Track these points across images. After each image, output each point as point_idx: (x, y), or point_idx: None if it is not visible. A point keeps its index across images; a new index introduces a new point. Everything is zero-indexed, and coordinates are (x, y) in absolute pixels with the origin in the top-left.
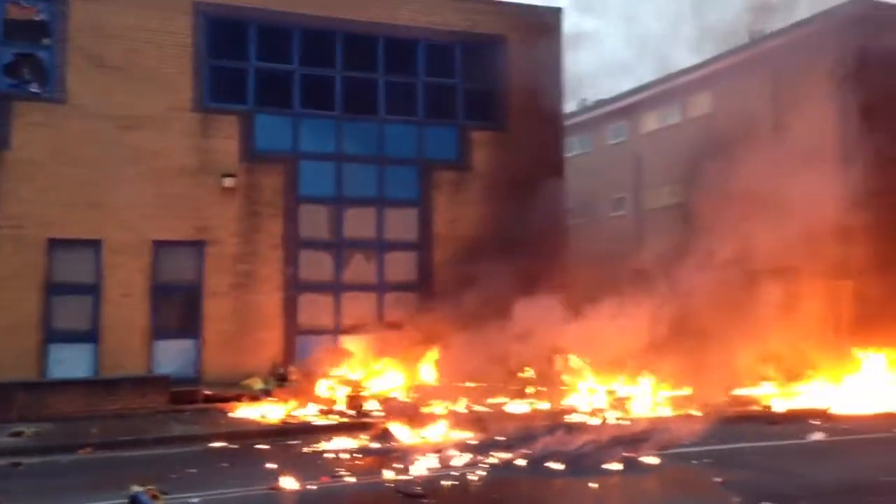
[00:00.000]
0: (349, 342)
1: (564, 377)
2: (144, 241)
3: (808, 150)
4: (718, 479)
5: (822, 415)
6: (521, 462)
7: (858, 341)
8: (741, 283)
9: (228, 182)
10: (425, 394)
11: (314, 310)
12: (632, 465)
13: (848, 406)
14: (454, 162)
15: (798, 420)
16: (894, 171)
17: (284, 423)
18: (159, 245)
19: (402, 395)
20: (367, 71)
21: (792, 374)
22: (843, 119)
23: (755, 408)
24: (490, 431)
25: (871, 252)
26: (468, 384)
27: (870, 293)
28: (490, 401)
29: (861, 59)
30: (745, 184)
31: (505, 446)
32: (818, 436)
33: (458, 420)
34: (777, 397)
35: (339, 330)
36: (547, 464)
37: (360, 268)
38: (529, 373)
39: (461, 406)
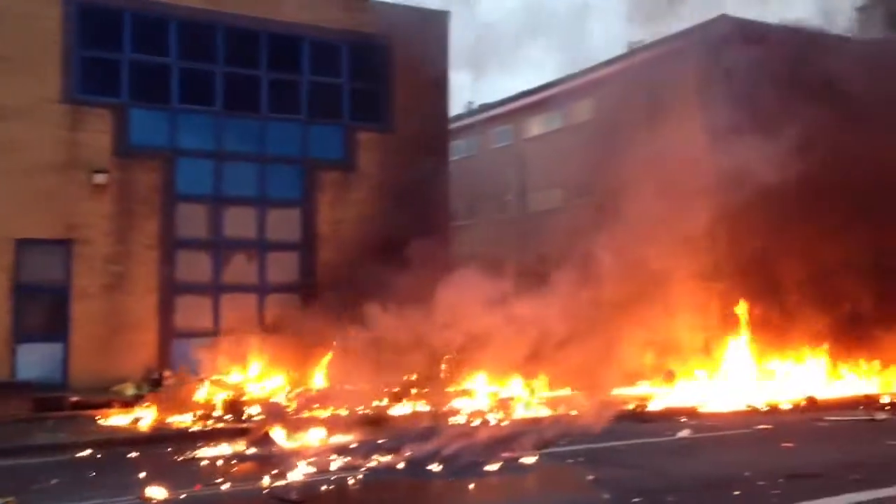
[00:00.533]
0: (229, 345)
1: (450, 379)
2: (6, 238)
3: (681, 159)
4: (591, 477)
5: (692, 413)
6: (401, 465)
7: (727, 342)
8: (621, 286)
9: (99, 178)
10: (308, 398)
11: (192, 312)
12: (510, 466)
13: (715, 403)
14: (339, 162)
15: (669, 418)
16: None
17: (157, 429)
18: (23, 243)
19: (283, 400)
20: (250, 67)
21: (668, 374)
22: (711, 130)
23: (631, 407)
24: (372, 434)
25: (738, 256)
26: (352, 387)
27: (737, 295)
28: (375, 403)
29: (728, 75)
30: (626, 189)
31: (385, 449)
32: (686, 433)
33: (340, 423)
34: (653, 396)
35: (218, 332)
36: (426, 466)
37: (240, 269)
38: (415, 375)
39: (344, 409)
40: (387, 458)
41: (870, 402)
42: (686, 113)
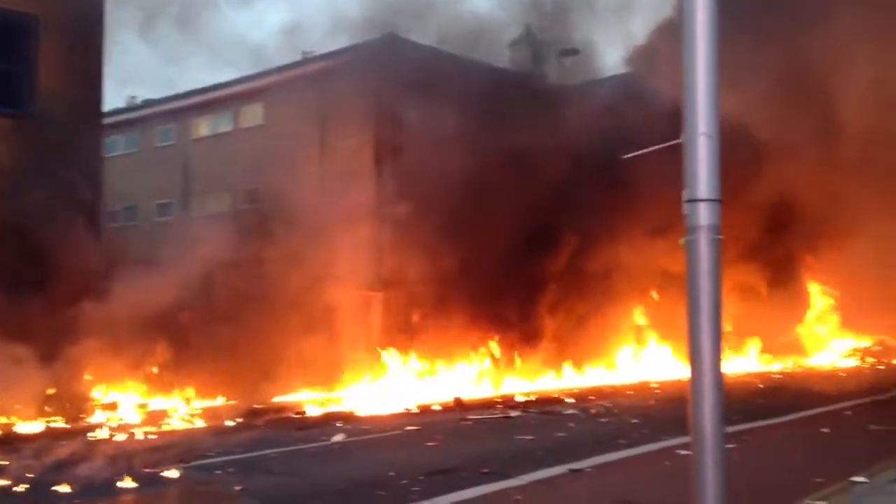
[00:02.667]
0: None
1: (93, 392)
2: None
3: (349, 172)
4: (238, 488)
5: (349, 417)
6: (21, 488)
7: (386, 347)
8: (282, 292)
9: None
10: None
11: None
12: (150, 481)
13: (373, 407)
14: None
15: (326, 424)
16: (420, 197)
17: None
18: None
19: None
20: None
21: (329, 380)
22: (377, 146)
23: (288, 414)
24: None
25: (398, 266)
26: None
27: (398, 303)
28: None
29: (393, 92)
30: (294, 198)
31: (6, 472)
32: (340, 437)
33: None
34: (312, 402)
35: None
36: (53, 487)
37: None
38: (52, 390)
39: None
40: (4, 483)
41: (507, 401)
42: (355, 125)
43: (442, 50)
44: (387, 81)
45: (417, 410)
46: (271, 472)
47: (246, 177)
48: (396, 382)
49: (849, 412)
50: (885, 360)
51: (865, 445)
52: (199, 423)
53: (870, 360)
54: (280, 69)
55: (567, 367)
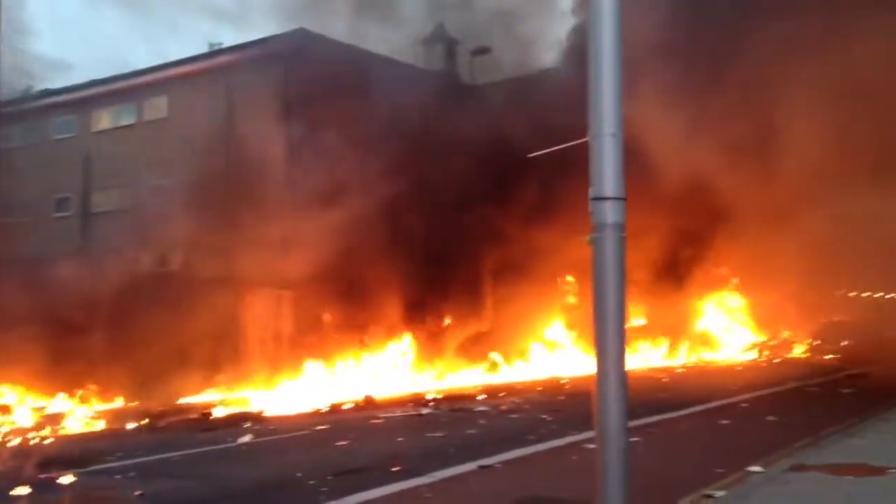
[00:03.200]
0: None
1: None
2: None
3: (258, 165)
4: (138, 492)
5: (257, 418)
6: None
7: (298, 346)
8: (187, 290)
9: None
10: None
11: None
12: (45, 488)
13: (282, 407)
14: None
15: (233, 425)
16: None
17: None
18: None
19: None
20: None
21: (236, 380)
22: (288, 140)
23: (194, 415)
24: None
25: (309, 262)
26: None
27: (309, 301)
28: None
29: (303, 85)
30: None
31: None
32: (247, 438)
33: None
34: (218, 403)
35: None
36: None
37: None
38: None
39: None
40: None
41: (418, 399)
42: (264, 120)
43: (353, 46)
44: (297, 75)
45: (327, 409)
46: (173, 476)
47: (150, 171)
48: (306, 381)
49: (746, 404)
50: (781, 354)
51: (762, 436)
52: (99, 426)
53: (766, 353)
54: (186, 61)
55: (479, 364)
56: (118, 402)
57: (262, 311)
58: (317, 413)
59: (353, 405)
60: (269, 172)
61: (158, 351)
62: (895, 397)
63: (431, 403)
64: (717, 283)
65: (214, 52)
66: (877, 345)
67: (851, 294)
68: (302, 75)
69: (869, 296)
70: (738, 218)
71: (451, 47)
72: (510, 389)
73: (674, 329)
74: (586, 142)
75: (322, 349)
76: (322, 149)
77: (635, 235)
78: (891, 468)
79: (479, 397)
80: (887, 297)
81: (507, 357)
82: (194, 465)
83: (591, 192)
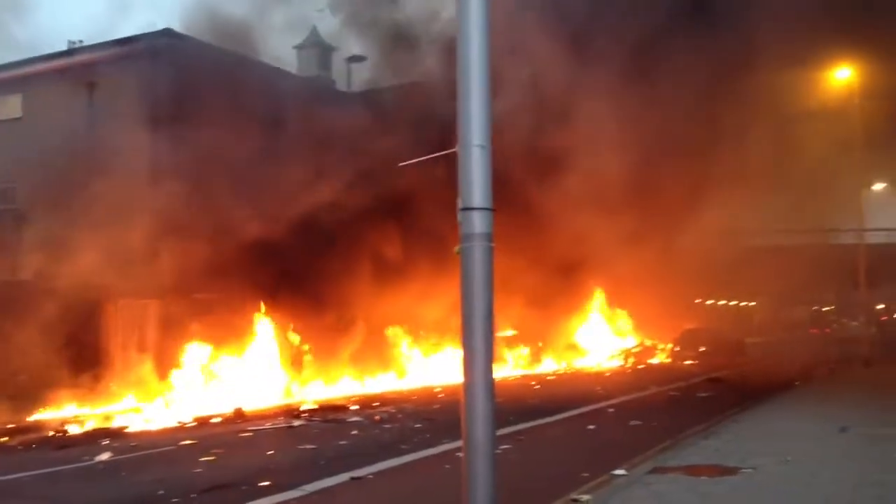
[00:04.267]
0: None
1: None
2: None
3: (121, 171)
4: None
5: (117, 434)
6: None
7: (162, 357)
8: (43, 300)
9: None
10: None
11: None
12: None
13: (145, 422)
14: None
15: (91, 442)
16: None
17: None
18: None
19: None
20: None
21: (97, 394)
22: (153, 143)
23: (48, 432)
24: None
25: (177, 271)
26: None
27: (176, 311)
28: None
29: (169, 86)
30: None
31: None
32: (105, 456)
33: None
34: (75, 420)
35: None
36: None
37: None
38: None
39: None
40: None
41: (290, 411)
42: (127, 122)
43: (223, 48)
44: (162, 77)
45: (194, 423)
46: (22, 498)
47: (1, 173)
48: (172, 395)
49: (612, 409)
50: (645, 360)
51: (627, 440)
52: None
53: (631, 360)
54: (43, 58)
55: (352, 373)
56: None
57: (125, 322)
58: (182, 427)
59: (221, 419)
60: (133, 177)
61: (10, 364)
62: (747, 400)
63: (304, 415)
64: (586, 293)
65: (74, 50)
66: (730, 350)
67: (708, 302)
68: (168, 76)
69: (724, 304)
70: (604, 235)
71: (326, 53)
72: (384, 399)
73: (544, 337)
74: (455, 152)
75: (189, 361)
76: (188, 152)
77: (507, 247)
78: (742, 468)
79: (353, 407)
80: (739, 304)
81: (381, 366)
82: (46, 486)
83: (460, 203)
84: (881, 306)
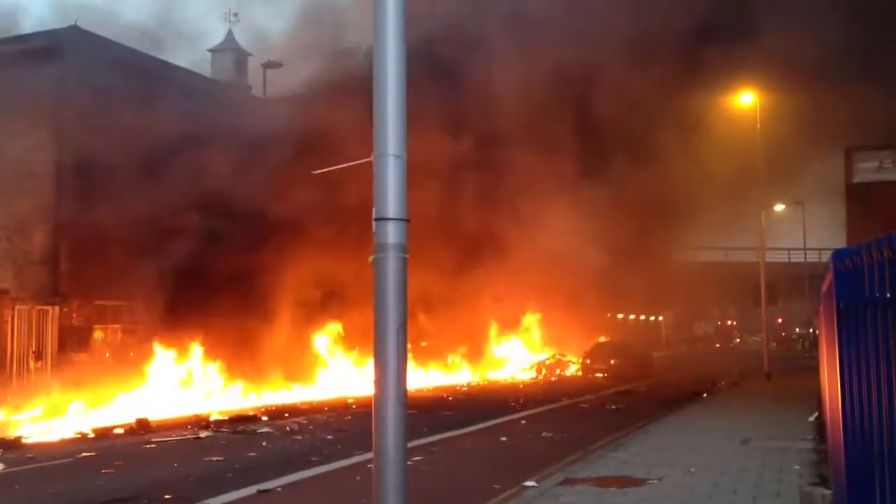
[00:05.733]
0: None
1: None
2: None
3: (21, 173)
4: None
5: (12, 444)
6: None
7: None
8: None
9: None
10: None
11: None
12: None
13: (43, 433)
14: None
15: None
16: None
17: None
18: None
19: None
20: None
21: None
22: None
23: None
24: None
25: (76, 275)
26: None
27: (78, 316)
28: None
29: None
30: None
31: None
32: None
33: None
34: None
35: None
36: None
37: None
38: None
39: None
40: None
41: (197, 421)
42: (31, 117)
43: (131, 48)
44: (69, 75)
45: (93, 435)
46: None
47: None
48: (71, 404)
49: (525, 421)
50: (559, 373)
51: (539, 451)
52: None
53: (544, 373)
54: None
55: (262, 384)
56: None
57: (23, 328)
58: (82, 439)
59: (123, 430)
60: (35, 176)
61: None
62: (655, 412)
63: (212, 426)
64: (504, 306)
65: None
66: (639, 363)
67: (619, 316)
68: (74, 75)
69: (635, 318)
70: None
71: (241, 58)
72: (295, 410)
73: (458, 349)
74: (369, 161)
75: (92, 368)
76: (92, 153)
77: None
78: (649, 479)
79: (263, 418)
80: (648, 319)
81: (292, 377)
82: None
83: (374, 213)
84: (780, 321)
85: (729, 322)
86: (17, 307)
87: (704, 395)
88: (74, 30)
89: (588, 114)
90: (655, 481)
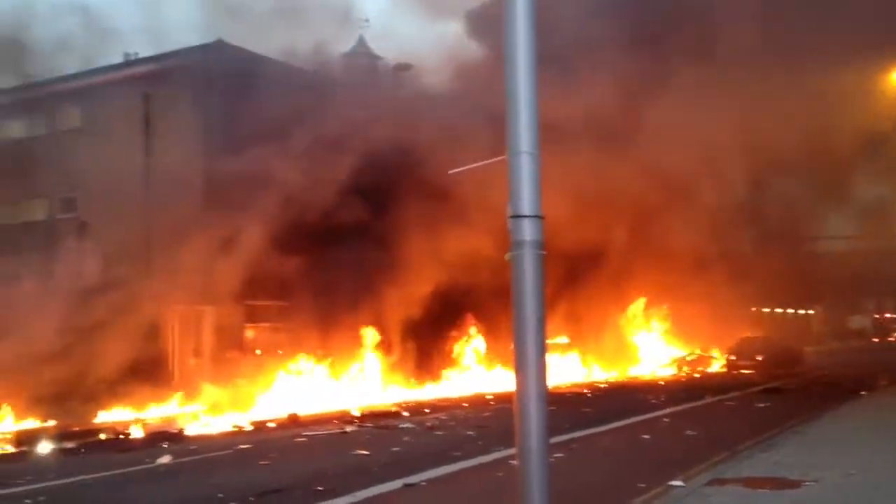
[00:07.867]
0: None
1: None
2: None
3: (178, 181)
4: None
5: (177, 437)
6: None
7: (220, 363)
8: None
9: None
10: None
11: None
12: None
13: (204, 426)
14: None
15: (151, 445)
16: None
17: None
18: None
19: None
20: None
21: (155, 399)
22: (207, 152)
23: (110, 435)
24: None
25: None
26: None
27: (232, 318)
28: None
29: (222, 98)
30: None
31: None
32: (166, 459)
33: None
34: (136, 423)
35: None
36: None
37: None
38: None
39: None
40: None
41: (343, 416)
42: (183, 130)
43: (272, 58)
44: (215, 87)
45: (251, 428)
46: (86, 500)
47: (63, 183)
48: (231, 399)
49: (667, 419)
50: (700, 370)
51: (682, 450)
52: (9, 448)
53: (686, 369)
54: (101, 70)
55: (404, 380)
56: (30, 423)
57: (183, 329)
58: (239, 431)
59: (276, 423)
60: (190, 185)
61: (73, 369)
62: (808, 411)
63: (356, 421)
64: (641, 301)
65: (131, 62)
66: (788, 359)
67: (765, 310)
68: (220, 87)
69: (781, 312)
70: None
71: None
72: (435, 406)
73: (596, 345)
74: (504, 160)
75: (246, 366)
76: (242, 161)
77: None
78: (805, 481)
79: (404, 414)
80: (797, 312)
81: (434, 374)
82: (110, 488)
83: (509, 210)
84: None
85: (888, 315)
86: (176, 308)
87: (863, 393)
88: (220, 43)
89: None
90: (812, 483)
